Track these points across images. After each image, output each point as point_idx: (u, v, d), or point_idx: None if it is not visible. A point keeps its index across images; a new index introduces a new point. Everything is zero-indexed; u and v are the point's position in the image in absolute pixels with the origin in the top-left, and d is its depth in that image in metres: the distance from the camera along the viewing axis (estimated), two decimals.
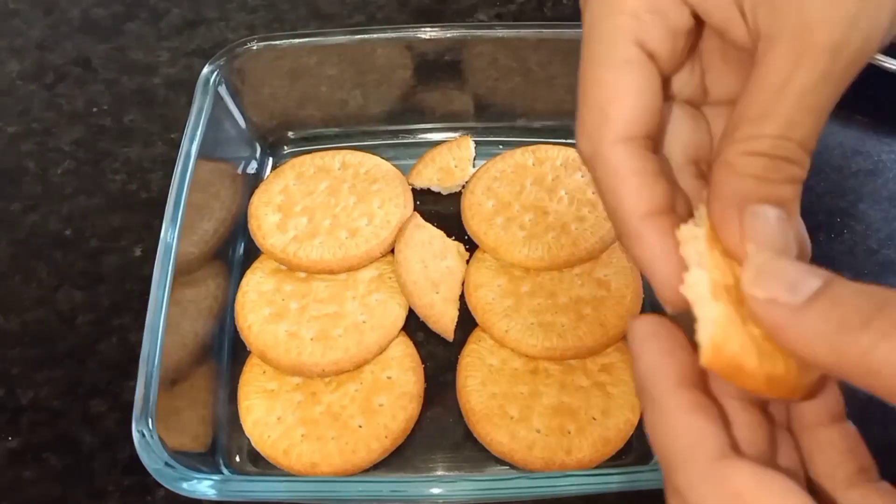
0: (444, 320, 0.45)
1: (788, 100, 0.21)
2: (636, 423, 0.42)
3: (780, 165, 0.22)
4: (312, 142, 0.52)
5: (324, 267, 0.46)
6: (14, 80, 0.59)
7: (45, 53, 0.60)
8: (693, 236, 0.22)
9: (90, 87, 0.58)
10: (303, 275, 0.46)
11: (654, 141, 0.24)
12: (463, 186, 0.50)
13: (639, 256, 0.23)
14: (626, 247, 0.24)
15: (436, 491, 0.35)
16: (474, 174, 0.50)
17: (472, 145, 0.52)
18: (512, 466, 0.41)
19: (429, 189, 0.51)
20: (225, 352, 0.45)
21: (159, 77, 0.59)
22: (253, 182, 0.50)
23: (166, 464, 0.34)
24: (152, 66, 0.59)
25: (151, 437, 0.35)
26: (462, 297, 0.46)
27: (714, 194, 0.22)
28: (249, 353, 0.44)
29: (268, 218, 0.47)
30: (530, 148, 0.51)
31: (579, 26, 0.24)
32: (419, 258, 0.46)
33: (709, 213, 0.22)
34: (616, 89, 0.23)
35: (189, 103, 0.56)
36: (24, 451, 0.44)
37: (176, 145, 0.54)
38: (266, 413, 0.41)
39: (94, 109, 0.57)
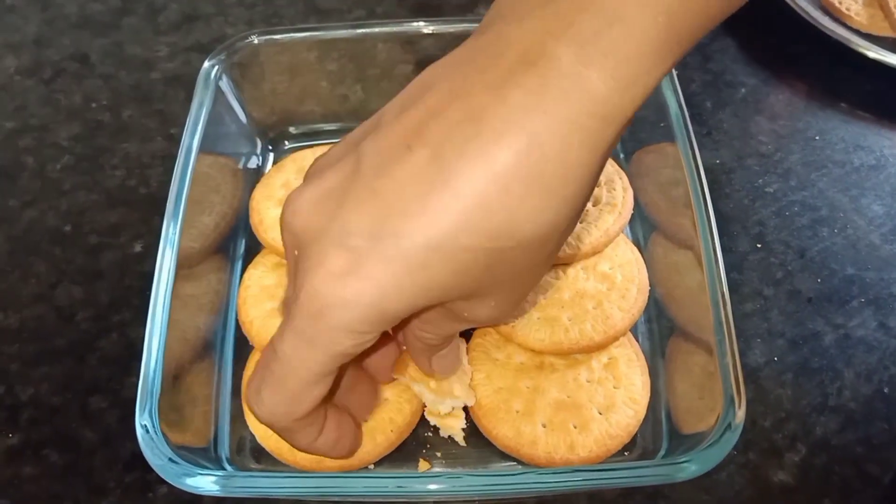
0: None
1: (443, 328, 0.33)
2: (641, 419, 0.41)
3: (439, 345, 0.35)
4: (313, 137, 0.52)
5: None
6: (11, 75, 0.58)
7: (42, 49, 0.60)
8: (411, 377, 0.39)
9: (88, 83, 0.58)
10: None
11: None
12: None
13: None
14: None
15: (442, 487, 0.34)
16: None
17: None
18: (516, 461, 0.41)
19: None
20: (227, 347, 0.45)
21: (157, 72, 0.58)
22: (254, 177, 0.50)
23: (170, 459, 0.34)
24: (150, 62, 0.59)
25: (155, 432, 0.34)
26: None
27: (409, 351, 0.37)
28: (252, 348, 0.44)
29: (270, 212, 0.47)
30: None
31: None
32: None
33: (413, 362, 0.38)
34: (312, 394, 0.30)
35: (188, 99, 0.55)
36: (24, 447, 0.43)
37: (175, 141, 0.54)
38: None
39: (93, 105, 0.57)
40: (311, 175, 0.30)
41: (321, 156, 0.31)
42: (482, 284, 0.27)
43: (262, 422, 0.31)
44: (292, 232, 0.28)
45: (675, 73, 0.45)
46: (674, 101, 0.44)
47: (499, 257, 0.26)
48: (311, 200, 0.28)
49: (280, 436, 0.32)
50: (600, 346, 0.43)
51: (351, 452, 0.37)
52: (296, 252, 0.29)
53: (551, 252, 0.28)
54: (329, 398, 0.33)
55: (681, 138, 0.43)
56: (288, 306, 0.29)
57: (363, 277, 0.26)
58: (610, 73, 0.24)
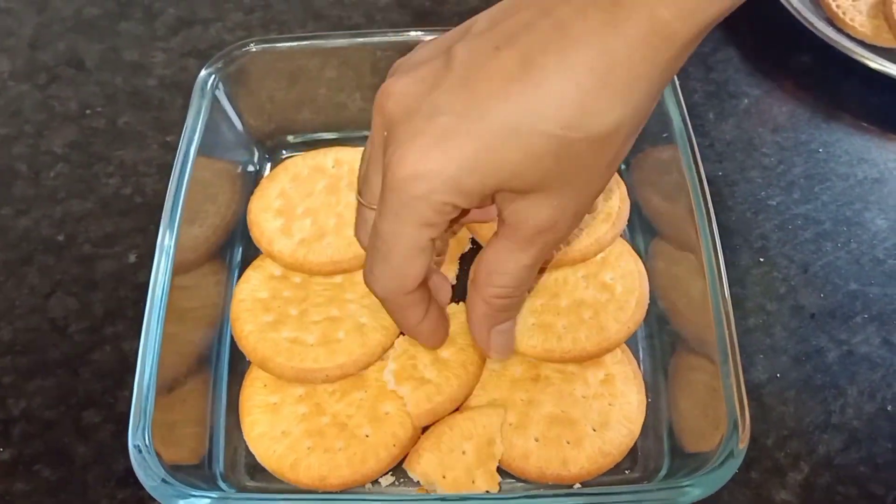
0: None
1: (508, 267, 0.34)
2: (635, 438, 0.41)
3: (505, 304, 0.36)
4: (312, 146, 0.51)
5: (336, 267, 0.45)
6: (6, 80, 0.58)
7: (38, 53, 0.59)
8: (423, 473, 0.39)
9: (83, 89, 0.57)
10: (298, 279, 0.45)
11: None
12: None
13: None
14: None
15: None
16: None
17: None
18: (507, 474, 0.40)
19: None
20: (223, 361, 0.44)
21: (154, 78, 0.58)
22: (251, 186, 0.49)
23: (163, 480, 0.33)
24: (147, 67, 0.58)
25: (148, 452, 0.34)
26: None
27: (470, 320, 0.37)
28: (248, 364, 0.43)
29: (270, 224, 0.46)
30: None
31: None
32: None
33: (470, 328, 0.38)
34: (414, 266, 0.33)
35: (184, 105, 0.55)
36: (16, 463, 0.42)
37: (171, 148, 0.54)
38: (270, 427, 0.40)
39: (88, 111, 0.56)
40: (400, 69, 0.33)
41: (407, 56, 0.34)
42: (548, 175, 0.30)
43: (379, 297, 0.35)
44: (383, 113, 0.31)
45: (677, 82, 0.44)
46: (676, 112, 0.44)
47: (567, 149, 0.29)
48: (404, 85, 0.31)
49: (393, 316, 0.37)
50: (592, 357, 0.42)
51: (440, 344, 0.41)
52: (385, 133, 0.32)
53: (612, 158, 0.31)
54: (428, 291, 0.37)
55: (683, 148, 0.42)
56: (368, 188, 0.35)
57: (447, 150, 0.29)
58: (674, 2, 0.28)
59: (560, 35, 0.29)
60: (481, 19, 0.32)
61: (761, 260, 0.49)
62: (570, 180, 0.31)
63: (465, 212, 0.32)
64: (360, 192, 0.36)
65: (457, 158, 0.29)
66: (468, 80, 0.30)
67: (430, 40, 0.34)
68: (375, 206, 0.32)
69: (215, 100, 0.46)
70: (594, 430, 0.41)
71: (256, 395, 0.42)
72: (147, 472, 0.33)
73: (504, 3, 0.32)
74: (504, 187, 0.31)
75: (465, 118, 0.29)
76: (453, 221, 0.33)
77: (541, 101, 0.29)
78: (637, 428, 0.41)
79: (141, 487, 0.41)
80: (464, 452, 0.39)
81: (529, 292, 0.45)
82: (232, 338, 0.44)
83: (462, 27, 0.33)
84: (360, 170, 0.37)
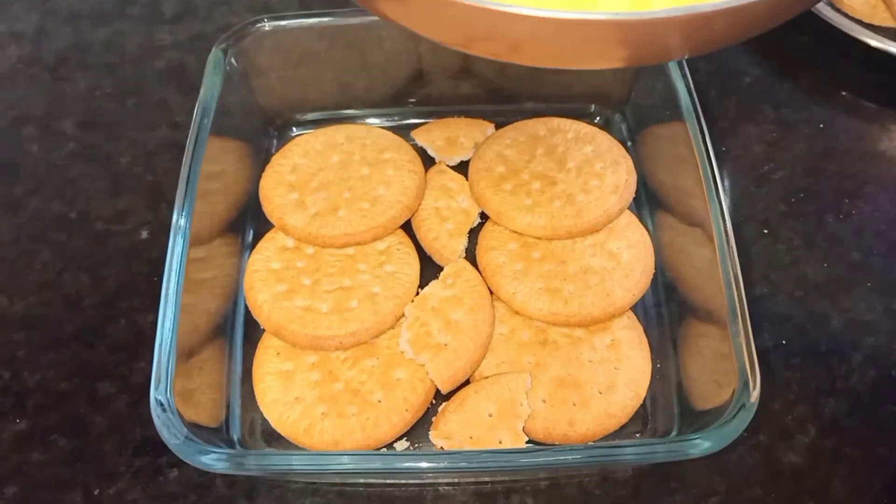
0: (445, 252, 0.46)
1: None
2: (641, 400, 0.42)
3: None
4: (322, 124, 0.52)
5: (349, 240, 0.45)
6: (14, 64, 0.58)
7: (45, 38, 0.60)
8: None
9: (91, 72, 0.58)
10: (310, 251, 0.46)
11: None
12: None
13: None
14: None
15: (456, 463, 0.35)
16: (485, 140, 0.50)
17: (489, 132, 0.51)
18: None
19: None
20: (237, 331, 0.44)
21: (162, 60, 0.58)
22: (261, 163, 0.50)
23: (186, 437, 0.34)
24: (154, 50, 0.59)
25: (172, 411, 0.34)
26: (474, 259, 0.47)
27: None
28: (261, 333, 0.44)
29: (283, 198, 0.47)
30: (542, 119, 0.51)
31: None
32: (433, 197, 0.48)
33: None
34: None
35: (192, 88, 0.56)
36: (32, 433, 0.43)
37: (180, 129, 0.54)
38: (283, 394, 0.41)
39: (96, 93, 0.56)
40: None
41: None
42: None
43: None
44: None
45: (684, 59, 0.45)
46: (682, 86, 0.45)
47: None
48: None
49: None
50: (598, 321, 0.43)
51: None
52: None
53: None
54: None
55: (689, 117, 0.43)
56: None
57: None
58: None
59: None
60: None
61: (765, 232, 0.49)
62: None
63: None
64: None
65: None
66: None
67: None
68: None
69: (227, 77, 0.46)
70: (600, 393, 0.41)
71: (269, 363, 0.43)
72: (170, 430, 0.34)
73: None
74: None
75: None
76: None
77: None
78: (643, 391, 0.42)
79: (157, 455, 0.42)
80: (490, 415, 0.40)
81: (538, 259, 0.46)
82: (246, 309, 0.45)
83: None
84: None
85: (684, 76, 0.45)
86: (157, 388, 0.34)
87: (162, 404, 0.34)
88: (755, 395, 0.35)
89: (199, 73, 0.46)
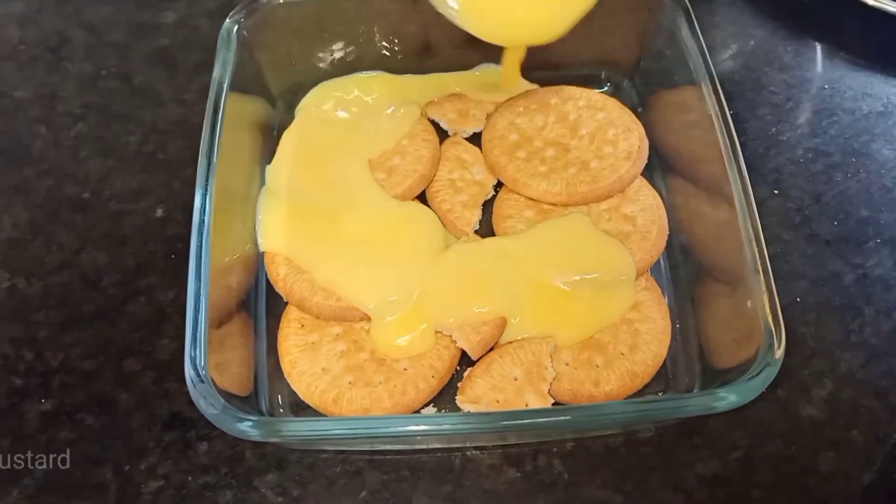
0: (459, 223, 0.46)
1: None
2: (662, 359, 0.43)
3: None
4: None
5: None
6: (16, 45, 0.58)
7: (47, 17, 0.59)
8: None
9: (96, 50, 0.57)
10: None
11: None
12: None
13: None
14: None
15: (485, 423, 0.35)
16: (497, 108, 0.51)
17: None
18: None
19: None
20: (260, 304, 0.45)
21: (166, 37, 0.58)
22: (275, 137, 0.50)
23: (224, 407, 0.34)
24: (158, 27, 0.58)
25: (208, 381, 0.34)
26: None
27: None
28: (283, 307, 0.44)
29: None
30: (554, 88, 0.51)
31: None
32: (448, 168, 0.48)
33: None
34: None
35: (199, 63, 0.55)
36: (59, 412, 0.43)
37: (188, 106, 0.54)
38: (311, 365, 0.41)
39: (103, 72, 0.56)
40: None
41: None
42: None
43: None
44: None
45: (695, 22, 0.46)
46: (694, 46, 0.45)
47: None
48: None
49: None
50: None
51: None
52: None
53: None
54: None
55: (703, 80, 0.44)
56: None
57: None
58: None
59: None
60: None
61: (776, 192, 0.50)
62: None
63: None
64: None
65: None
66: None
67: None
68: None
69: (239, 49, 0.46)
70: (623, 354, 0.42)
71: (294, 335, 0.43)
72: (207, 401, 0.34)
73: None
74: None
75: None
76: None
77: None
78: (664, 351, 0.43)
79: (186, 429, 0.42)
80: (515, 378, 0.40)
81: None
82: (267, 283, 0.45)
83: None
84: None
85: (697, 40, 0.45)
86: (192, 361, 0.35)
87: (200, 375, 0.34)
88: (780, 350, 0.36)
89: (205, 48, 0.46)
